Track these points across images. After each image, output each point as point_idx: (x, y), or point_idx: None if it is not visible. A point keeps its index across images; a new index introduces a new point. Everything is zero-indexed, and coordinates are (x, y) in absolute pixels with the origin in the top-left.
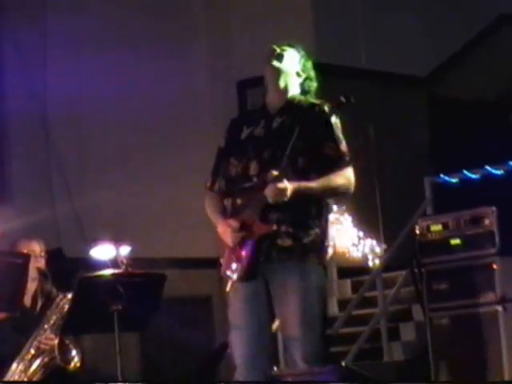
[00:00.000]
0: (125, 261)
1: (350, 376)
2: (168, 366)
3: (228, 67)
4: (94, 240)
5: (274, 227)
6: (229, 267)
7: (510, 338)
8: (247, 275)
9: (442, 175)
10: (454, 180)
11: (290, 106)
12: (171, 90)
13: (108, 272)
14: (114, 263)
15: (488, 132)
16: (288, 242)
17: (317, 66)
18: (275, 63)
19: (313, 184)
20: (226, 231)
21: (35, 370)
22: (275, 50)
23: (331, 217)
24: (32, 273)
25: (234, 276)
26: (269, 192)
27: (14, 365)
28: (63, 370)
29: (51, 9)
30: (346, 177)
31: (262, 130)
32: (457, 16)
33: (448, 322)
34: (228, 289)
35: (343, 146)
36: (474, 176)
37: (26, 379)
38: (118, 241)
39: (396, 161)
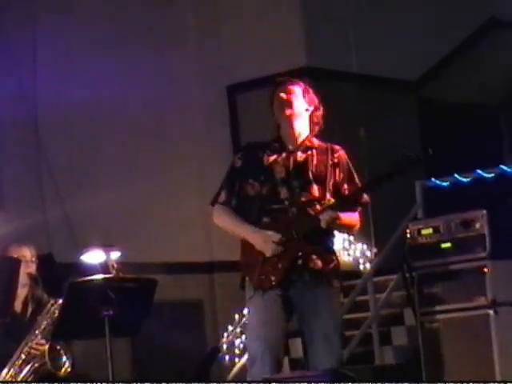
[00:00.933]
0: (115, 266)
1: (342, 380)
2: (159, 370)
3: (218, 72)
4: (84, 245)
5: (317, 249)
6: (264, 276)
7: (501, 342)
8: (281, 286)
9: (432, 179)
10: (444, 184)
11: (309, 144)
12: (161, 94)
13: (99, 277)
14: (105, 268)
15: (478, 135)
16: (319, 265)
17: (307, 71)
18: (288, 112)
19: (347, 220)
20: (267, 242)
21: (26, 376)
22: (284, 98)
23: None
24: (23, 278)
25: (268, 285)
26: (326, 217)
27: (5, 370)
28: (54, 376)
29: (41, 11)
30: (358, 219)
31: (286, 160)
32: (446, 20)
33: (439, 325)
34: (250, 296)
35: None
36: (464, 180)
37: None
38: (108, 246)
39: (387, 165)
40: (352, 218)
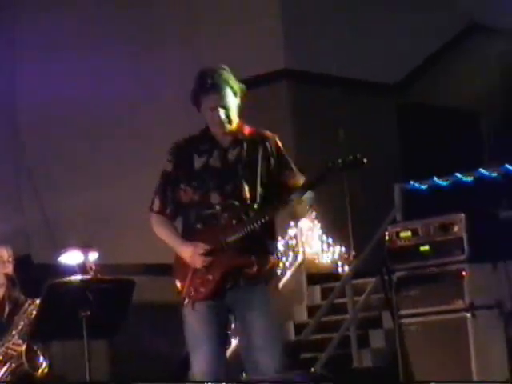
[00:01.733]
0: (93, 267)
1: (320, 382)
2: (137, 372)
3: (195, 73)
4: (62, 246)
5: (252, 259)
6: (193, 289)
7: (478, 345)
8: (212, 298)
9: (411, 182)
10: (423, 187)
11: (241, 137)
12: (139, 94)
13: (77, 278)
14: (83, 269)
15: (458, 139)
16: (254, 271)
17: (286, 73)
18: (221, 112)
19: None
20: (194, 253)
21: (3, 376)
22: (223, 98)
23: (301, 223)
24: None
25: (198, 297)
26: (302, 210)
27: None
28: (31, 377)
29: (20, 10)
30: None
31: (217, 161)
32: (426, 25)
33: (417, 328)
34: (186, 308)
35: (297, 174)
36: (443, 183)
37: None
38: (86, 247)
39: (366, 168)
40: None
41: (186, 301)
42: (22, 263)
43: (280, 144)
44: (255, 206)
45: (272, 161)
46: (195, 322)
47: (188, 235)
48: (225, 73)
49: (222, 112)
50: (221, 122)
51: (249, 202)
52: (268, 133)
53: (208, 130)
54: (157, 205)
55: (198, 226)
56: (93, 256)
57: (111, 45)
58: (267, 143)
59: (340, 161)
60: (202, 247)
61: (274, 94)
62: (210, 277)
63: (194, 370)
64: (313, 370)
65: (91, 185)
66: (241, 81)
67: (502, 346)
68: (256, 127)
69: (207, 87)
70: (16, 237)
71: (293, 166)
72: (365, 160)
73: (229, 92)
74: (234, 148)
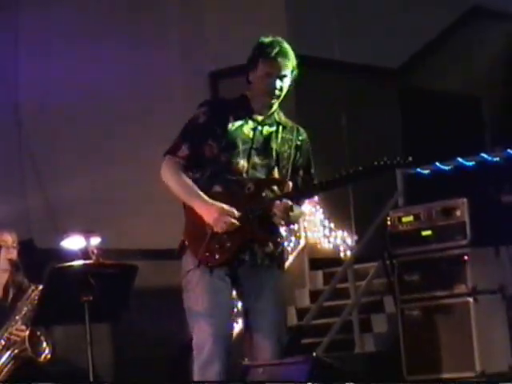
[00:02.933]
0: (96, 252)
1: (322, 367)
2: (140, 357)
3: (201, 58)
4: (65, 231)
5: (273, 237)
6: (208, 253)
7: (481, 329)
8: (226, 264)
9: (413, 167)
10: (425, 171)
11: (277, 119)
12: (144, 80)
13: (79, 263)
14: (85, 254)
15: (460, 124)
16: (271, 248)
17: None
18: (275, 98)
19: (296, 213)
20: (221, 215)
21: (5, 362)
22: (284, 67)
23: (303, 208)
24: (3, 264)
25: (212, 261)
26: (280, 207)
27: None
28: (34, 362)
29: (22, 1)
30: (302, 212)
31: (251, 132)
32: (429, 8)
33: (419, 313)
34: (194, 272)
35: (311, 183)
36: (445, 168)
37: None
38: (88, 232)
39: (368, 152)
40: (299, 211)
41: (196, 264)
42: (25, 248)
43: (309, 145)
44: (284, 185)
45: (298, 156)
46: (205, 286)
47: (207, 194)
48: (290, 48)
49: (278, 81)
50: (273, 91)
51: (274, 179)
52: (301, 128)
53: (245, 99)
54: (184, 151)
55: (218, 188)
56: (95, 241)
57: (114, 31)
58: (300, 137)
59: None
60: (232, 211)
61: None
62: (229, 244)
63: (200, 335)
64: (315, 354)
65: (93, 169)
66: (245, 65)
67: (504, 330)
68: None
69: (273, 53)
70: (18, 222)
71: (313, 171)
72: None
73: (290, 66)
74: (270, 126)
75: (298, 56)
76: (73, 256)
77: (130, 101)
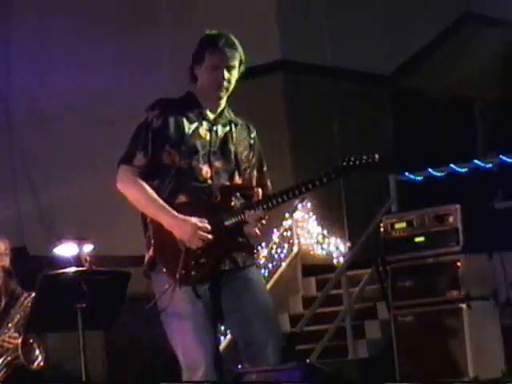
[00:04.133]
0: (88, 258)
1: (315, 373)
2: (132, 363)
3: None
4: (57, 238)
5: (249, 244)
6: (184, 271)
7: (474, 336)
8: (205, 280)
9: (406, 173)
10: (418, 178)
11: (228, 117)
12: (135, 84)
13: (72, 270)
14: (78, 261)
15: (453, 130)
16: (246, 255)
17: (282, 64)
18: (223, 91)
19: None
20: (195, 231)
21: None
22: (231, 57)
23: (296, 215)
24: None
25: (188, 280)
26: (255, 216)
27: None
28: (27, 369)
29: (15, 4)
30: None
31: (207, 134)
32: (422, 14)
33: (412, 319)
34: (169, 290)
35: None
36: (438, 174)
37: None
38: (81, 239)
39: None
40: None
41: (172, 283)
42: (18, 255)
43: (258, 143)
44: (251, 191)
45: (251, 155)
46: (183, 304)
47: (171, 205)
48: (236, 40)
49: (225, 73)
50: (221, 82)
51: (240, 185)
52: (252, 126)
53: (193, 97)
54: (140, 159)
55: (183, 198)
56: (88, 248)
57: (107, 34)
58: (252, 134)
59: (352, 158)
60: (205, 226)
61: (269, 85)
62: (204, 260)
63: (186, 360)
64: (308, 361)
65: (86, 176)
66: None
67: (497, 336)
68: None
69: (220, 43)
70: (11, 229)
71: (265, 169)
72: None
73: (237, 57)
74: (223, 126)
75: (289, 62)
76: (65, 263)
77: (124, 105)
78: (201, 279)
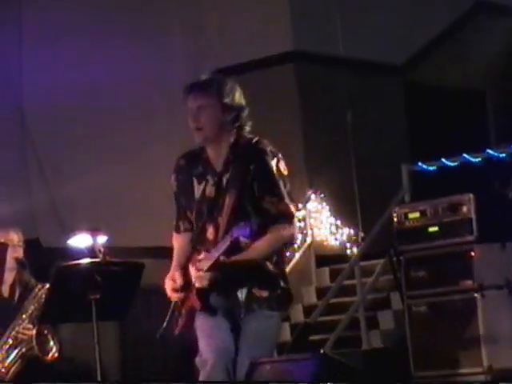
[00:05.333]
0: (102, 250)
1: (329, 364)
2: (146, 354)
3: (203, 55)
4: (71, 230)
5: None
6: (175, 320)
7: (487, 325)
8: (184, 331)
9: (419, 163)
10: (431, 168)
11: (231, 158)
12: (147, 78)
13: (85, 261)
14: (92, 252)
15: (465, 120)
16: (265, 294)
17: (295, 55)
18: (200, 139)
19: (251, 254)
20: (168, 286)
21: (13, 360)
22: (196, 91)
23: (310, 205)
24: (10, 263)
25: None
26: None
27: None
28: (41, 361)
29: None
30: (286, 236)
31: (212, 189)
32: (433, 4)
33: (426, 309)
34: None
35: (283, 201)
36: (451, 164)
37: (3, 369)
38: (95, 230)
39: (373, 148)
40: (266, 245)
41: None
42: (31, 247)
43: (274, 164)
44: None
45: (255, 185)
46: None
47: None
48: (221, 78)
49: (192, 115)
50: (192, 129)
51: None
52: (264, 148)
53: (204, 149)
54: (174, 223)
55: (196, 255)
56: (102, 239)
57: (118, 31)
58: (253, 165)
59: None
60: (176, 279)
61: (282, 76)
62: (183, 311)
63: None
64: (322, 351)
65: (99, 167)
66: (250, 62)
67: (511, 325)
68: (258, 139)
69: (185, 92)
70: (24, 221)
71: (281, 191)
72: None
73: (211, 94)
74: (226, 172)
75: (302, 53)
76: (79, 254)
77: (136, 100)
78: (182, 330)
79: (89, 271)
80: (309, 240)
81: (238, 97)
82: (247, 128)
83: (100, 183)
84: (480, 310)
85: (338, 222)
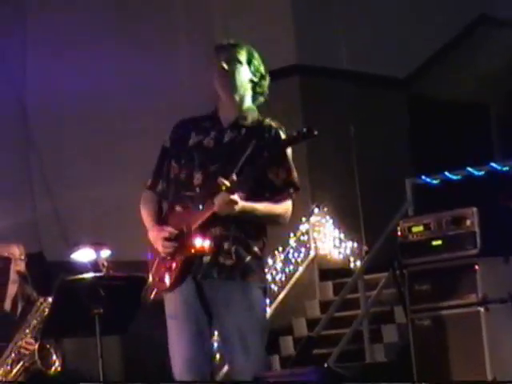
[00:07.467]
0: (106, 264)
1: (333, 377)
2: (150, 368)
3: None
4: (74, 243)
5: (209, 249)
6: (158, 278)
7: (492, 339)
8: (174, 288)
9: (422, 176)
10: (434, 181)
11: (243, 121)
12: (154, 83)
13: (89, 275)
14: (95, 266)
15: (468, 133)
16: (229, 261)
17: (298, 68)
18: (228, 86)
19: (259, 207)
20: (157, 238)
21: (16, 375)
22: (230, 49)
23: (313, 219)
24: (12, 276)
25: (164, 286)
26: (220, 201)
27: None
28: (44, 375)
29: (31, 4)
30: (285, 208)
31: (211, 142)
32: (436, 17)
33: (430, 323)
34: (152, 297)
35: (291, 176)
36: (454, 177)
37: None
38: (98, 244)
39: (377, 162)
40: (271, 207)
41: (154, 293)
42: (35, 260)
43: (283, 136)
44: (226, 182)
45: (265, 153)
46: (168, 306)
47: (168, 217)
48: (247, 45)
49: (223, 63)
50: (223, 85)
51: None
52: (274, 123)
53: (216, 110)
54: (149, 180)
55: (178, 208)
56: (105, 253)
57: (124, 36)
58: (266, 134)
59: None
60: (167, 231)
61: (286, 90)
62: (174, 265)
63: (173, 356)
64: (326, 365)
65: (102, 181)
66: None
67: None
68: (268, 117)
69: (222, 45)
70: (28, 234)
71: (289, 165)
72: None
73: (242, 56)
74: (231, 130)
75: (305, 66)
76: (83, 268)
77: (140, 108)
78: (173, 286)
79: (92, 285)
80: (312, 254)
81: (261, 64)
82: (261, 99)
83: (104, 197)
84: (484, 324)
85: (342, 236)
